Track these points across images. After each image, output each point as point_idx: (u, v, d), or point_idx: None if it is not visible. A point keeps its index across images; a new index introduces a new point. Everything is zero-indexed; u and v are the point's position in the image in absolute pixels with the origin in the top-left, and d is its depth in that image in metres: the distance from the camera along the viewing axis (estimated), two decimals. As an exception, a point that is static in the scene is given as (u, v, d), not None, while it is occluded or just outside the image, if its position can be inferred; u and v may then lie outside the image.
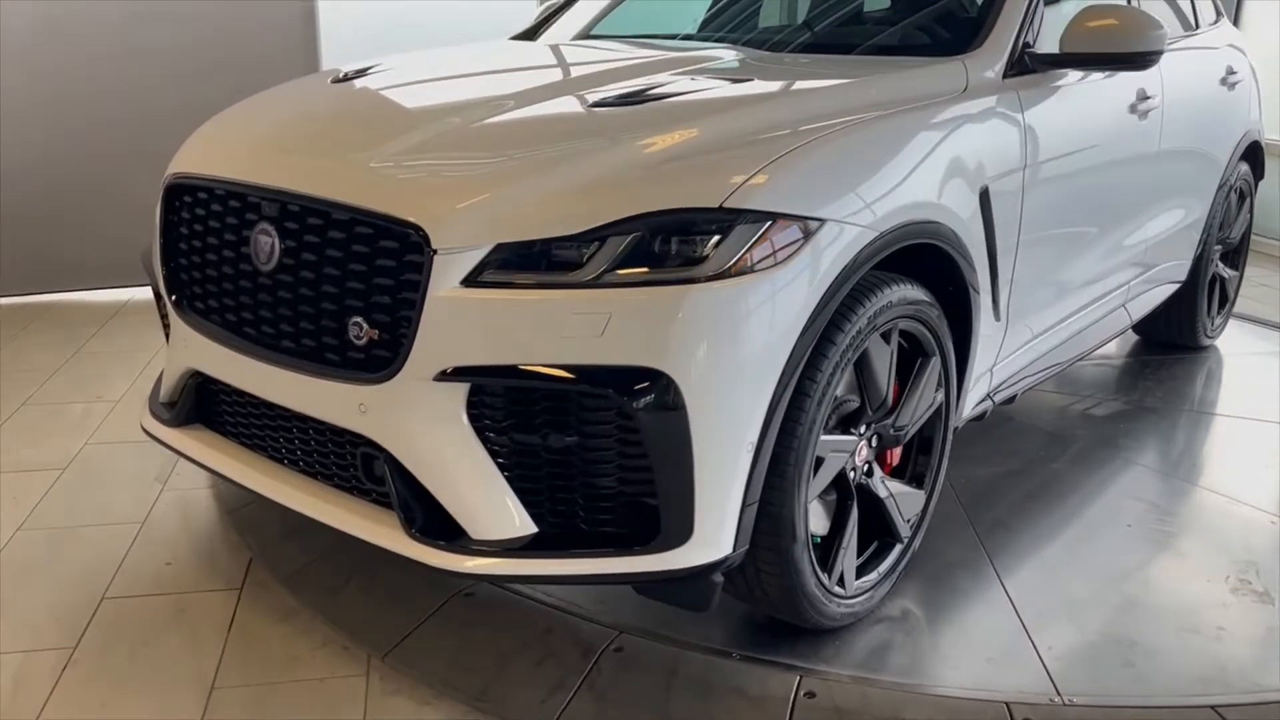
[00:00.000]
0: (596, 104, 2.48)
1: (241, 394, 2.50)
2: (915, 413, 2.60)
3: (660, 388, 2.03)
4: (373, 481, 2.30)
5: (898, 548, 2.66)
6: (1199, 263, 4.32)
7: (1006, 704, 2.31)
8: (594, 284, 2.03)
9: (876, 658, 2.48)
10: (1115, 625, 2.63)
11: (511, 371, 2.07)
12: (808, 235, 2.14)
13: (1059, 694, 2.35)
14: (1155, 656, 2.51)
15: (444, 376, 2.09)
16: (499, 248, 2.06)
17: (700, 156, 2.22)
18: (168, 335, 2.73)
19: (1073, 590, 2.79)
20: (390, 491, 2.21)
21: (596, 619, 2.57)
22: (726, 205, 2.08)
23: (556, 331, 2.03)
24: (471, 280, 2.07)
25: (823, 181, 2.24)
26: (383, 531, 2.24)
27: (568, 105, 2.57)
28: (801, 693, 2.32)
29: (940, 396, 2.68)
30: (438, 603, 2.65)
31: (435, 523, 2.19)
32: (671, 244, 2.06)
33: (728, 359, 2.06)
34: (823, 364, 2.21)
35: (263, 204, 2.32)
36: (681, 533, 2.11)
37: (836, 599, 2.46)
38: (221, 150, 2.57)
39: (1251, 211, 4.74)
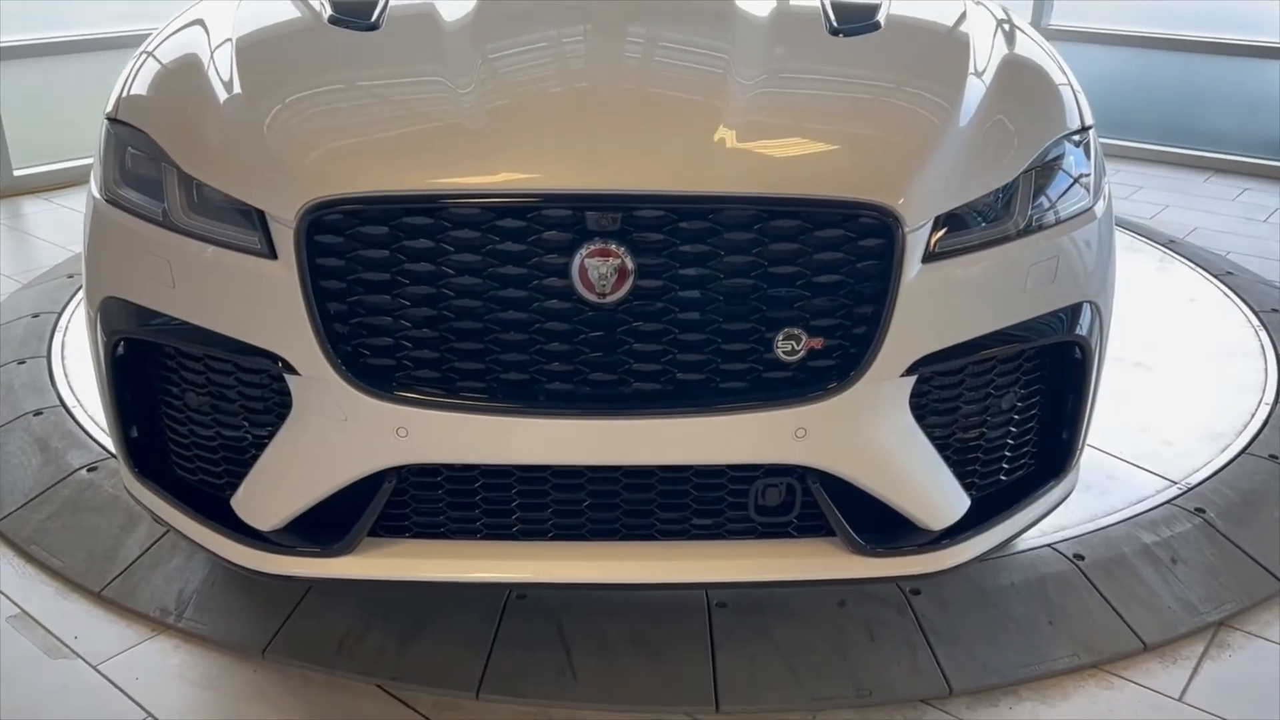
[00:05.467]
0: (834, 31, 2.14)
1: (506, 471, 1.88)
2: None
3: (1094, 318, 2.02)
4: (766, 514, 1.94)
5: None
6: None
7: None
8: (1035, 228, 1.91)
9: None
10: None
11: (981, 344, 1.88)
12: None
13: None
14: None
15: (912, 369, 1.83)
16: (937, 219, 1.83)
17: (1025, 74, 2.12)
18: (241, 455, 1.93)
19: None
20: (829, 514, 1.90)
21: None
22: (1086, 123, 2.07)
23: (1019, 288, 1.89)
24: (930, 256, 1.81)
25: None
26: (821, 564, 1.93)
27: (798, 35, 2.16)
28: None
29: None
30: None
31: (878, 533, 1.95)
32: (1058, 170, 2.00)
33: (1110, 275, 2.10)
34: None
35: (598, 218, 1.71)
36: (1077, 454, 2.15)
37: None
38: (455, 153, 1.77)
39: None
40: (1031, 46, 2.26)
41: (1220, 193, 5.60)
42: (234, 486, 1.97)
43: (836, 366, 1.80)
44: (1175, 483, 2.83)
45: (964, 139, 1.89)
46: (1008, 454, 2.06)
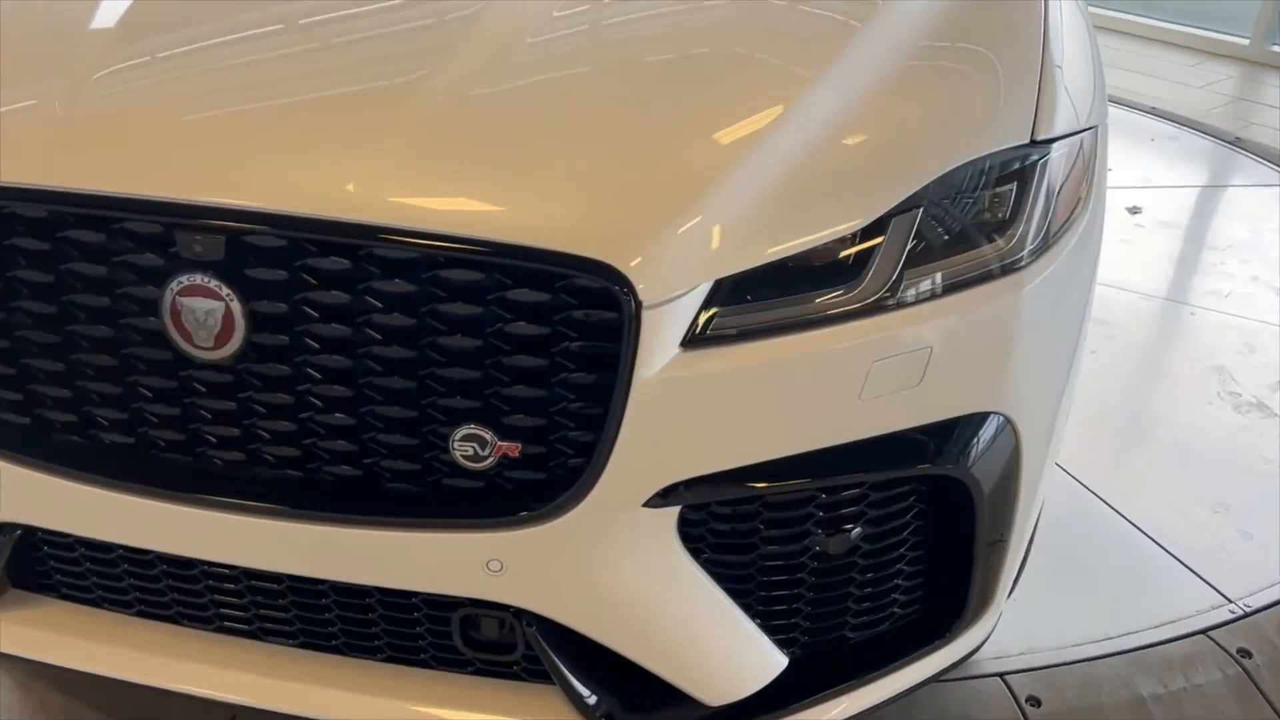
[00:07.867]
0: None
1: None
2: None
3: (996, 436, 1.34)
4: (480, 649, 1.42)
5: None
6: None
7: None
8: (894, 304, 1.25)
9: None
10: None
11: (783, 470, 1.26)
12: (1082, 153, 1.47)
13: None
14: None
15: (667, 496, 1.24)
16: (720, 283, 1.20)
17: (953, 60, 1.43)
18: None
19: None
20: (550, 667, 1.36)
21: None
22: (1038, 137, 1.35)
23: (851, 392, 1.24)
24: (695, 339, 1.20)
25: (1078, 66, 1.54)
26: (541, 729, 1.40)
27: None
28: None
29: None
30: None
31: (641, 696, 1.39)
32: (968, 211, 1.31)
33: (1052, 372, 1.41)
34: None
35: (191, 240, 1.19)
36: (981, 605, 1.50)
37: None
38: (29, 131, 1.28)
39: None
40: None
41: None
42: None
43: (547, 483, 1.24)
44: (1229, 601, 2.08)
45: (798, 147, 1.23)
46: (852, 605, 1.44)
